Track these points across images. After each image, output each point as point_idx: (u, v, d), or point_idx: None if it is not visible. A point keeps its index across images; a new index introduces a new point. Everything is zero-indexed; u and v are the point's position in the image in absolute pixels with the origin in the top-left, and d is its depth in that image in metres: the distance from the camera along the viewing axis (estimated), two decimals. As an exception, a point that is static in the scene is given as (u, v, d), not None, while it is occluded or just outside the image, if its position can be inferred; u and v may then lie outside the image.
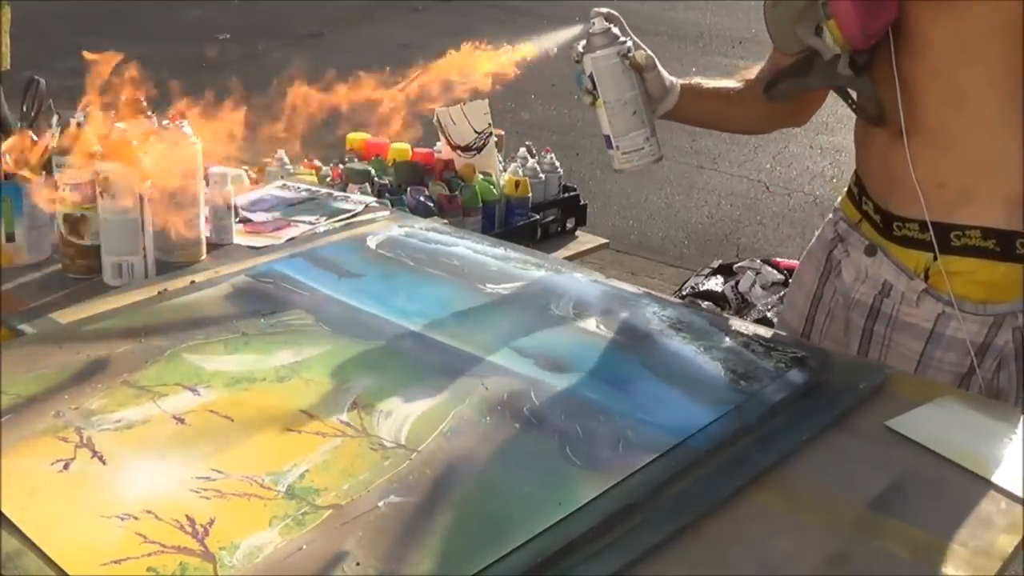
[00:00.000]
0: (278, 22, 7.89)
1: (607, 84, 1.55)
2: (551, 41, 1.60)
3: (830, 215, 1.74)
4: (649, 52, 1.57)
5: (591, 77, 1.56)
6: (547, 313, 1.55)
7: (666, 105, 1.62)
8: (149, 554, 1.00)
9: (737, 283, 3.44)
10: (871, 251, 1.59)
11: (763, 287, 3.39)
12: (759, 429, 1.28)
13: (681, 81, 1.64)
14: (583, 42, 1.56)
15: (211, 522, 1.04)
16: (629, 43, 1.56)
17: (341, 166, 3.17)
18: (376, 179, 3.06)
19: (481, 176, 3.21)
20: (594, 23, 1.55)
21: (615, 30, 1.56)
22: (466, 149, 3.21)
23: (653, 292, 1.69)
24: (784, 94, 1.60)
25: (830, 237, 1.70)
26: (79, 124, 1.62)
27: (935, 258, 1.51)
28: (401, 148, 3.24)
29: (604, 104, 1.56)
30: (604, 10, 1.56)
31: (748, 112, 1.71)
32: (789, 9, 1.48)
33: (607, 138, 1.58)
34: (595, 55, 1.54)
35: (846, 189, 1.72)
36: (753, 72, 1.73)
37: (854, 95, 1.56)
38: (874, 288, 1.58)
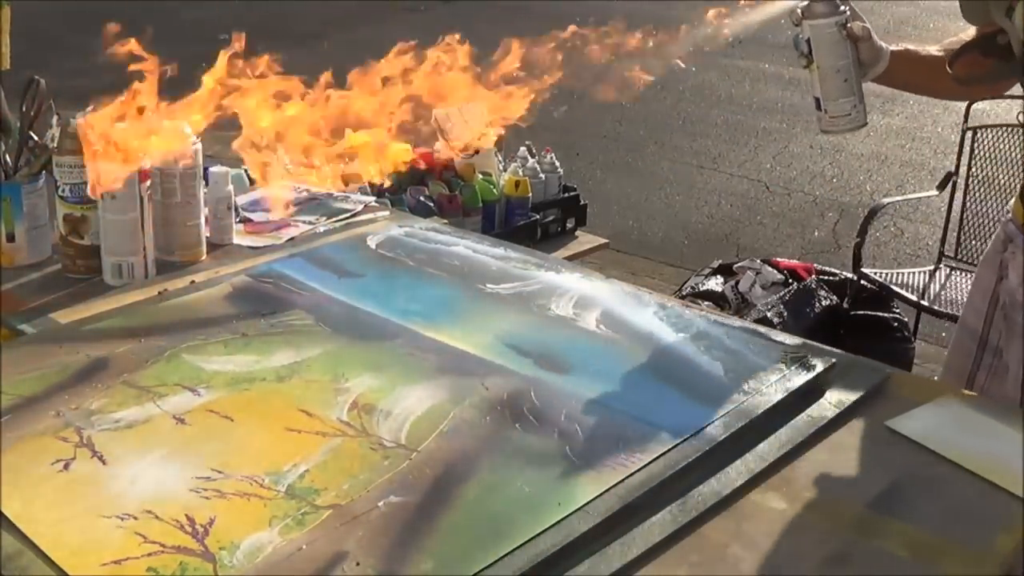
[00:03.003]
0: (278, 22, 7.88)
1: (822, 51, 1.61)
2: (774, 9, 1.68)
3: (1004, 218, 1.78)
4: (865, 23, 1.63)
5: (807, 42, 1.62)
6: (547, 313, 1.55)
7: (876, 71, 1.67)
8: (149, 554, 1.00)
9: (737, 283, 3.44)
10: None
11: (763, 287, 3.39)
12: (759, 429, 1.28)
13: (892, 47, 1.70)
14: (804, 4, 1.61)
15: (211, 522, 1.04)
16: (848, 12, 1.61)
17: (342, 166, 3.16)
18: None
19: (481, 176, 3.22)
20: None
21: None
22: (464, 150, 3.21)
23: (653, 292, 1.69)
24: (971, 79, 1.66)
25: (1002, 239, 1.76)
26: (79, 124, 1.62)
27: None
28: (401, 148, 3.24)
29: (817, 68, 1.62)
30: None
31: (950, 79, 1.74)
32: None
33: (817, 100, 1.65)
34: (814, 22, 1.60)
35: (1018, 193, 1.77)
36: (959, 41, 1.76)
37: None
38: None
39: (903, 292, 3.19)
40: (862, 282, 3.28)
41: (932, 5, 8.87)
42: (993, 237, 1.83)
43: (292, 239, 1.82)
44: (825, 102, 1.64)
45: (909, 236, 4.66)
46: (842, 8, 1.61)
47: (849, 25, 1.61)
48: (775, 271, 3.45)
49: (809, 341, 1.52)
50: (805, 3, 1.61)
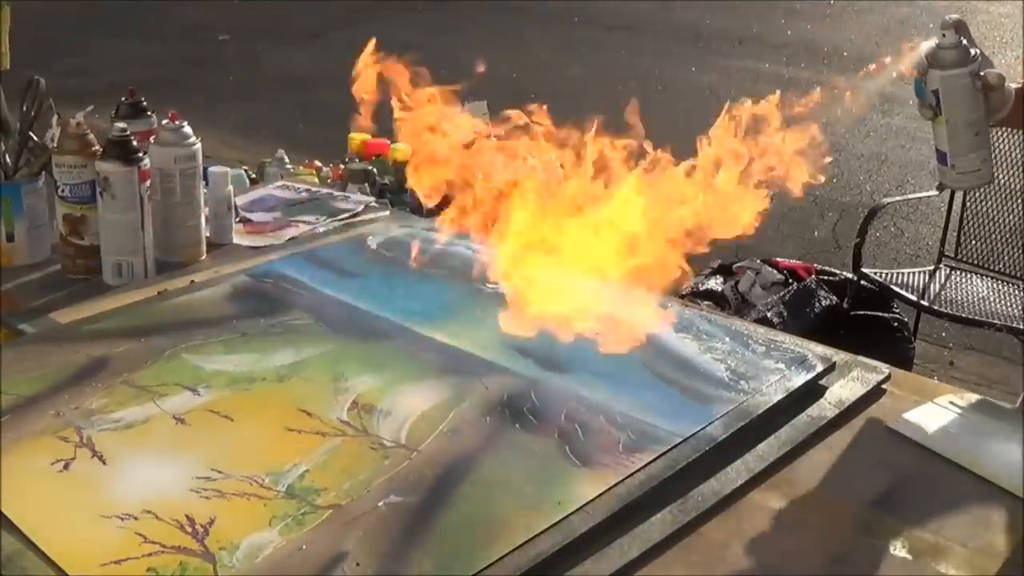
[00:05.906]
0: (278, 22, 7.89)
1: (954, 104, 1.44)
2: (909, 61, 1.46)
3: None
4: (996, 68, 1.45)
5: (935, 93, 1.44)
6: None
7: (1001, 115, 1.49)
8: (149, 554, 1.00)
9: (737, 283, 3.44)
10: None
11: (763, 287, 3.39)
12: (759, 429, 1.28)
13: (1014, 86, 1.49)
14: (929, 49, 1.43)
15: (211, 522, 1.04)
16: (979, 59, 1.44)
17: (342, 166, 3.17)
18: (376, 179, 3.06)
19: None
20: (944, 35, 1.42)
21: (965, 42, 1.43)
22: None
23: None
24: None
25: None
26: (79, 124, 1.62)
27: None
28: (402, 148, 3.25)
29: (946, 122, 1.45)
30: (954, 18, 1.43)
31: None
32: None
33: (942, 154, 1.48)
34: (945, 73, 1.42)
35: None
36: None
37: None
38: None
39: (903, 292, 3.19)
40: (862, 282, 3.27)
41: (930, 5, 8.86)
42: None
43: (292, 239, 1.82)
44: (953, 158, 1.46)
45: (909, 236, 4.65)
46: (974, 54, 1.43)
47: (984, 74, 1.42)
48: (775, 271, 3.45)
49: (809, 341, 1.52)
50: (931, 49, 1.42)
